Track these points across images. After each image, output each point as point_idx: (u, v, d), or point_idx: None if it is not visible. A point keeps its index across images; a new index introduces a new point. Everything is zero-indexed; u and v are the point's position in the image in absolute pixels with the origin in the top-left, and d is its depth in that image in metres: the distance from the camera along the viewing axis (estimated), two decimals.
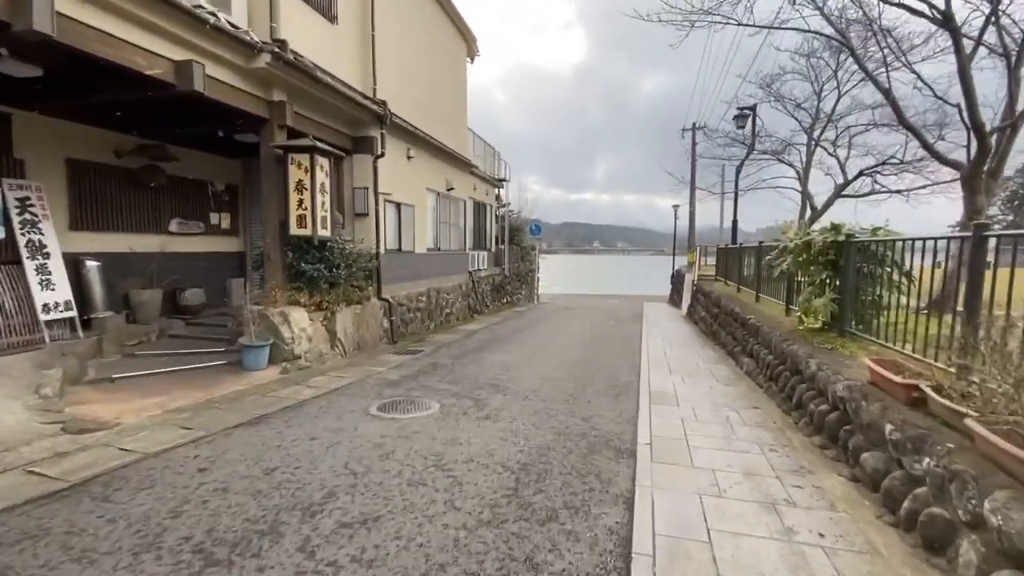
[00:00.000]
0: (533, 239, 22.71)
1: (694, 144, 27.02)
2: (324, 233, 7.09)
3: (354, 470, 3.59)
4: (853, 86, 11.77)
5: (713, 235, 34.62)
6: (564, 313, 16.40)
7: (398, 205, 10.07)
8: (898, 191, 11.58)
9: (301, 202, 6.87)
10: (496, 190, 19.27)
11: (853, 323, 5.50)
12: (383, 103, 8.89)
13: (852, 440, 3.66)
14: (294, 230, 6.92)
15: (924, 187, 11.30)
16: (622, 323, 13.49)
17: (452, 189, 12.86)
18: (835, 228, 5.69)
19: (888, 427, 3.21)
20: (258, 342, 6.55)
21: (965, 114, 7.01)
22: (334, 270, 7.37)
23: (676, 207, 28.53)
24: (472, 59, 14.86)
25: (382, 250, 9.26)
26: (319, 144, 6.92)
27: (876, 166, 11.53)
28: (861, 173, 11.78)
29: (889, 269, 5.17)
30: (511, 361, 7.76)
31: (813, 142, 11.81)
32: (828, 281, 5.83)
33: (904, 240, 5.02)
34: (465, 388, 5.98)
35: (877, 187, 11.91)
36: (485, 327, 12.05)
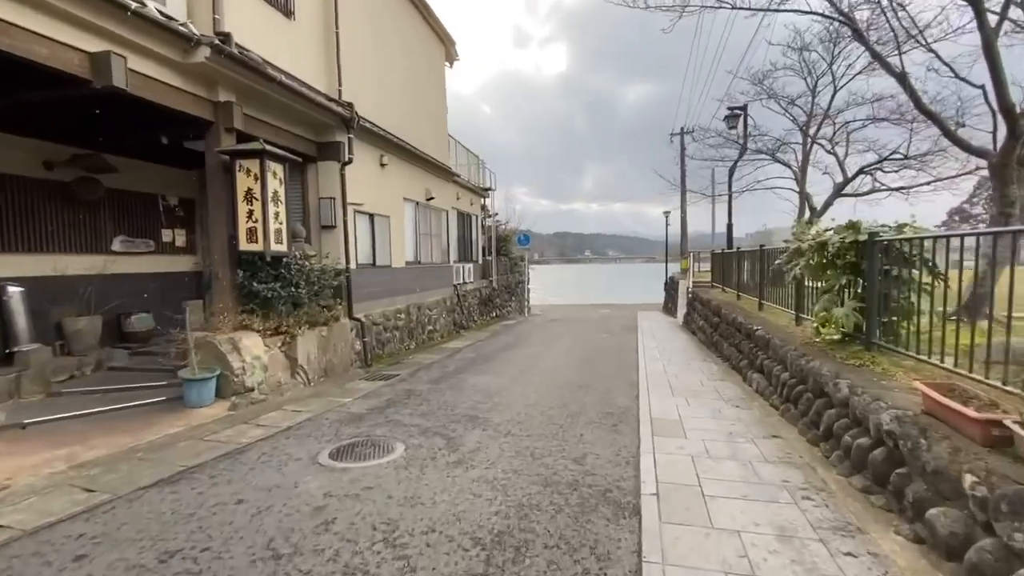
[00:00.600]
0: (522, 249, 22.02)
1: (683, 149, 26.65)
2: (279, 248, 6.30)
3: (278, 551, 2.78)
4: (850, 79, 11.35)
5: (705, 241, 34.21)
6: (555, 326, 15.65)
7: (371, 216, 9.31)
8: (899, 188, 11.03)
9: (251, 214, 6.09)
10: (481, 200, 18.59)
11: (880, 334, 4.81)
12: (349, 105, 8.17)
13: (911, 489, 2.92)
14: (244, 245, 6.13)
15: (928, 183, 10.79)
16: (616, 335, 12.76)
17: (432, 199, 12.14)
18: (853, 227, 5.01)
19: (968, 479, 2.47)
20: (201, 374, 5.72)
21: (991, 95, 6.41)
22: (292, 289, 6.56)
23: (667, 213, 28.07)
24: (451, 63, 14.25)
25: (352, 265, 8.48)
26: (270, 148, 6.16)
27: (878, 162, 10.94)
28: (862, 171, 11.20)
29: (918, 271, 4.50)
30: (495, 385, 6.97)
31: (810, 139, 11.27)
32: (848, 286, 5.14)
33: (937, 238, 4.35)
34: (438, 422, 5.18)
35: (878, 185, 11.36)
36: (470, 344, 11.26)
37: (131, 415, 5.52)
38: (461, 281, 14.52)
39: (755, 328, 6.95)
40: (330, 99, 7.96)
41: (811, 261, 5.43)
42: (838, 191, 11.51)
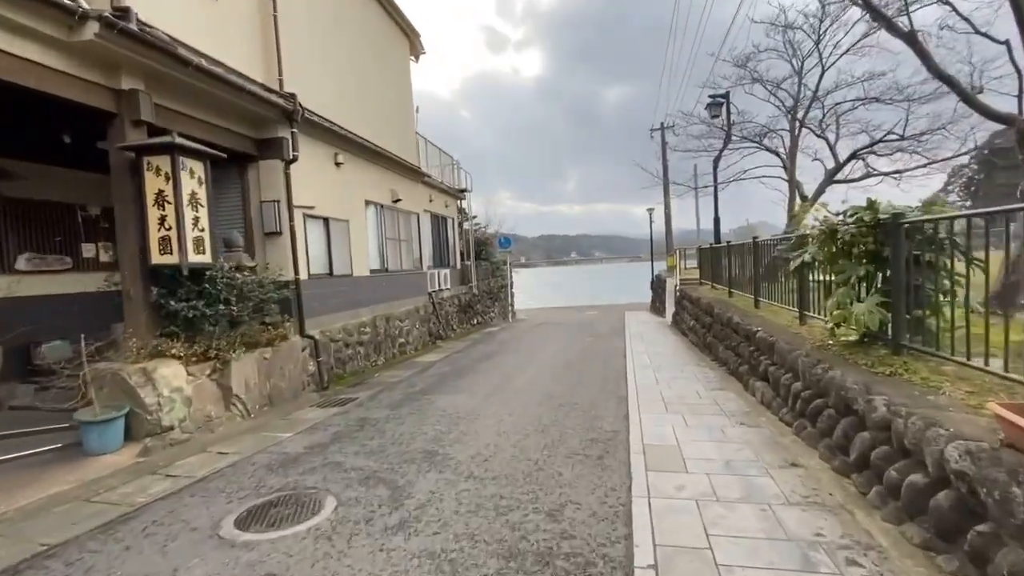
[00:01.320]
0: (503, 252, 21.19)
1: (664, 144, 26.10)
2: (200, 259, 5.36)
3: None
4: (838, 58, 10.76)
5: (690, 238, 33.71)
6: (539, 331, 14.82)
7: (325, 220, 8.39)
8: (893, 173, 10.48)
9: (163, 220, 5.15)
10: (457, 202, 17.74)
11: (909, 334, 4.05)
12: (291, 96, 7.26)
13: (1005, 559, 2.11)
14: (156, 258, 5.18)
15: (924, 166, 10.25)
16: (602, 339, 11.97)
17: (400, 201, 11.24)
18: (871, 207, 4.25)
19: None
20: (104, 415, 4.75)
21: (1018, 52, 5.75)
22: (221, 307, 5.61)
23: (651, 210, 27.49)
24: (416, 57, 13.39)
25: (303, 275, 7.55)
26: (183, 142, 5.23)
27: (872, 145, 10.30)
28: (854, 155, 10.56)
29: (950, 257, 3.75)
30: (465, 406, 6.09)
31: (798, 123, 10.63)
32: (866, 278, 4.38)
33: (974, 215, 3.62)
34: (387, 462, 4.28)
35: (871, 170, 10.76)
36: (445, 357, 10.36)
37: (19, 468, 4.54)
38: (437, 288, 13.62)
39: (755, 329, 6.18)
40: (268, 89, 7.04)
41: (822, 250, 4.66)
42: (830, 177, 10.86)
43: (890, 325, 4.09)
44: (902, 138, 9.93)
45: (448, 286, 14.46)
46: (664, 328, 13.87)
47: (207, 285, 5.51)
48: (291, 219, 7.35)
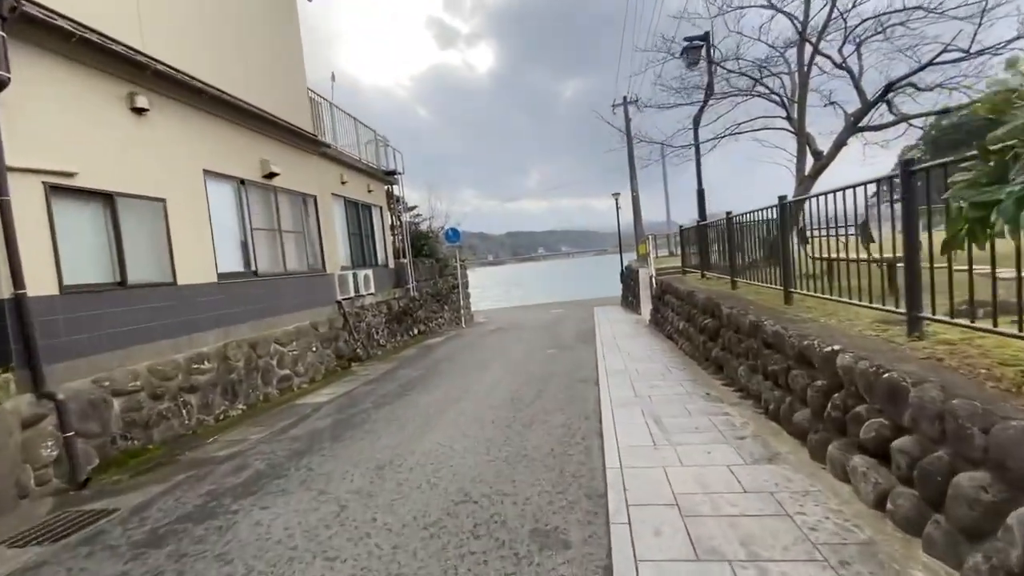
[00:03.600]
0: (451, 246, 18.13)
1: (627, 120, 23.62)
2: None
3: None
4: None
5: (660, 229, 31.41)
6: (493, 340, 11.91)
7: (108, 197, 5.20)
8: (943, 112, 7.79)
9: None
10: (389, 188, 14.61)
11: None
12: None
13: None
14: None
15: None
16: (569, 350, 9.15)
17: (276, 176, 8.06)
18: None
19: None
20: None
21: None
22: None
23: (617, 195, 25.01)
24: None
25: (45, 287, 4.38)
26: None
27: (921, 68, 7.59)
28: (891, 87, 7.88)
29: None
30: (302, 526, 3.12)
31: (808, 48, 7.86)
32: None
33: None
34: None
35: (899, 112, 8.06)
36: (344, 393, 7.29)
37: None
38: (354, 293, 10.50)
39: (828, 348, 3.41)
40: None
41: None
42: (854, 123, 8.26)
43: None
44: (968, 53, 7.33)
45: (372, 290, 11.35)
46: (642, 329, 11.20)
47: None
48: (3, 190, 4.15)
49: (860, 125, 8.00)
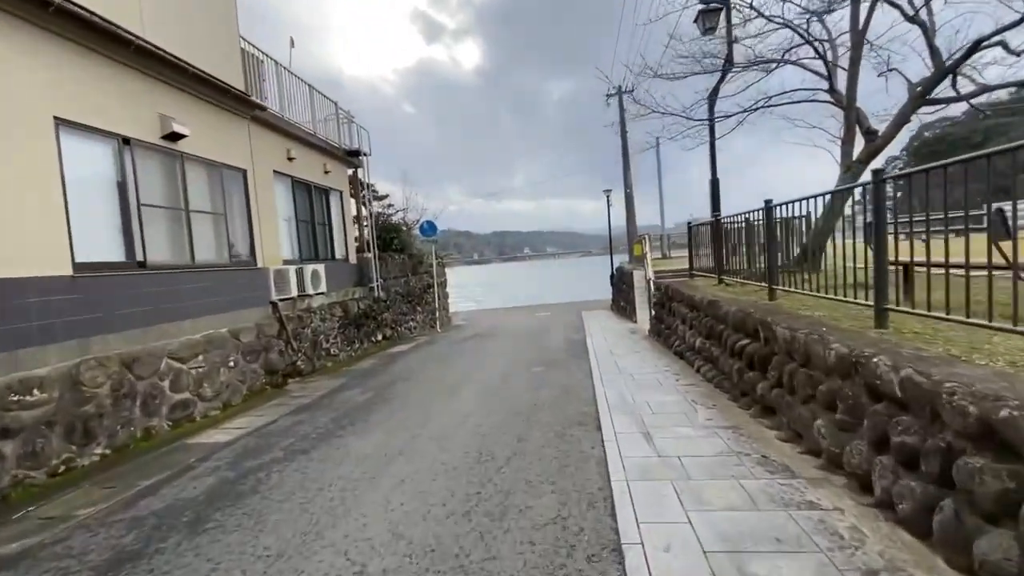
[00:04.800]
0: (426, 240, 16.26)
1: (622, 111, 22.05)
2: None
3: None
4: None
5: (647, 231, 29.92)
6: (468, 350, 10.13)
7: None
8: None
9: None
10: (352, 171, 12.71)
11: None
12: None
13: None
14: None
15: None
16: (557, 367, 7.42)
17: (182, 138, 6.16)
18: None
19: None
20: None
21: None
22: None
23: (608, 192, 23.39)
24: None
25: None
26: None
27: (1020, 22, 5.97)
28: (978, 46, 6.14)
29: None
30: None
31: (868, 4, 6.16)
32: None
33: None
34: None
35: (978, 83, 6.33)
36: (258, 428, 5.43)
37: None
38: (296, 293, 8.62)
39: None
40: None
41: None
42: (924, 93, 6.61)
43: None
44: None
45: (323, 289, 9.47)
46: (641, 342, 9.54)
47: None
48: None
49: (929, 97, 6.43)
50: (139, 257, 5.54)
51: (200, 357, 6.08)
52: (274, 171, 8.81)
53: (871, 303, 3.76)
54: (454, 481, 3.56)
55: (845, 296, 4.14)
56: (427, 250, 16.97)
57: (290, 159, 9.35)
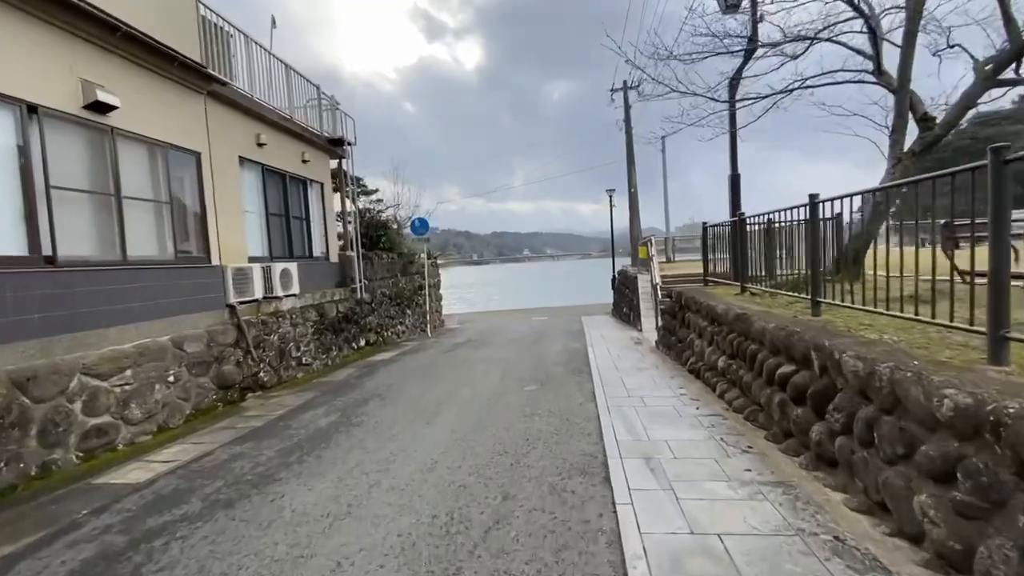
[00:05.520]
0: (417, 238, 15.25)
1: (627, 106, 21.09)
2: None
3: None
4: None
5: (649, 234, 29.02)
6: (457, 359, 9.13)
7: None
8: None
9: None
10: (337, 161, 11.70)
11: None
12: None
13: None
14: None
15: None
16: (554, 386, 6.41)
17: (113, 109, 5.15)
18: None
19: None
20: None
21: None
22: None
23: (611, 192, 22.42)
24: None
25: None
26: None
27: None
28: None
29: None
30: None
31: None
32: None
33: None
34: None
35: None
36: (188, 462, 4.42)
37: None
38: (262, 295, 7.63)
39: None
40: None
41: None
42: (996, 71, 5.58)
43: None
44: None
45: (295, 290, 8.47)
46: (648, 355, 8.55)
47: None
48: None
49: (1001, 78, 5.46)
50: (46, 251, 4.53)
51: (128, 372, 5.08)
52: (240, 157, 7.83)
53: (979, 328, 2.78)
54: (409, 569, 2.56)
55: (932, 316, 3.16)
56: (419, 249, 15.98)
57: (260, 145, 8.36)
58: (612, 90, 21.27)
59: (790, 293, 5.51)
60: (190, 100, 6.50)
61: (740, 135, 8.29)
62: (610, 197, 22.67)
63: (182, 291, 6.08)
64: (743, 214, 6.85)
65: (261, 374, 7.31)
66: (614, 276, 19.71)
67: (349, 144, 11.56)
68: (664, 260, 19.13)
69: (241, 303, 7.10)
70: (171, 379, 5.60)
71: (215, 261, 6.74)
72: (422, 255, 15.76)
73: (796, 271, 5.85)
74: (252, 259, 7.83)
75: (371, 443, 4.63)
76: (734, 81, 7.95)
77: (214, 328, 6.49)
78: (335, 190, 12.42)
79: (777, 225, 6.14)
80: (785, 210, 5.39)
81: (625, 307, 15.93)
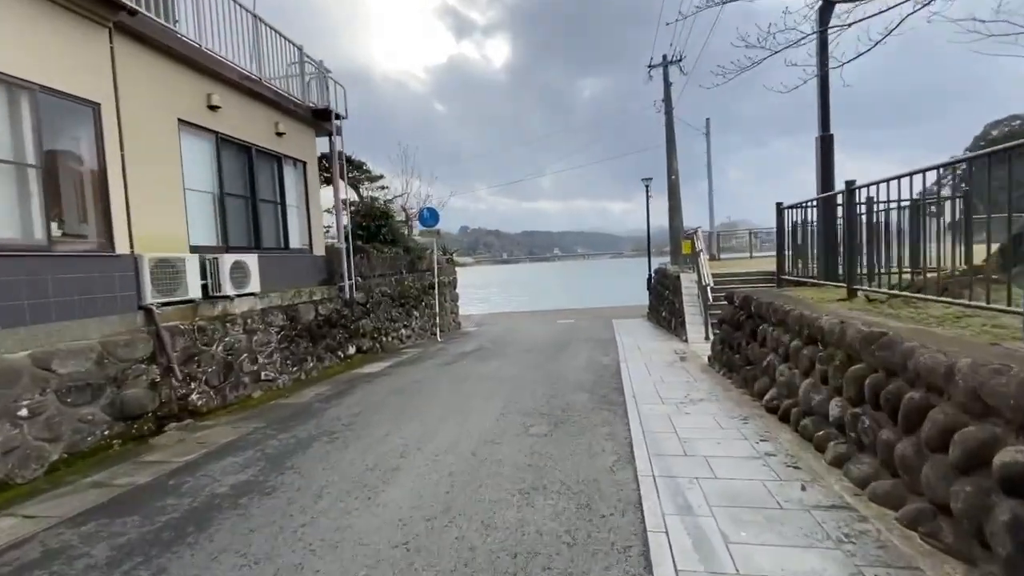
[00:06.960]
0: (427, 230, 13.47)
1: (667, 84, 18.74)
2: None
3: None
4: None
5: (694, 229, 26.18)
6: (459, 373, 7.27)
7: None
8: None
9: None
10: (328, 137, 10.03)
11: None
12: None
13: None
14: None
15: None
16: (572, 427, 4.36)
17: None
18: None
19: None
20: None
21: None
22: None
23: (647, 181, 20.09)
24: None
25: None
26: None
27: None
28: None
29: None
30: None
31: None
32: None
33: None
34: None
35: None
36: None
37: None
38: (204, 293, 5.98)
39: None
40: None
41: None
42: None
43: None
44: None
45: (255, 288, 6.78)
46: (703, 380, 6.38)
47: None
48: None
49: None
50: None
51: None
52: (180, 120, 6.19)
53: None
54: None
55: None
56: (431, 243, 14.21)
57: (213, 107, 6.72)
58: (650, 66, 18.98)
59: (959, 301, 3.37)
60: (83, 33, 4.85)
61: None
62: (647, 187, 20.36)
63: (60, 289, 4.44)
64: (853, 185, 4.68)
65: (193, 396, 5.64)
66: (650, 275, 17.48)
67: (339, 117, 9.86)
68: (708, 258, 16.83)
69: (165, 304, 5.44)
70: (22, 414, 3.94)
71: (121, 250, 5.08)
72: (428, 252, 13.99)
73: (956, 266, 3.71)
74: (195, 249, 6.20)
75: (257, 544, 2.79)
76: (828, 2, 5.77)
77: (113, 339, 4.83)
78: (324, 172, 10.81)
79: (911, 203, 4.04)
80: (946, 165, 3.26)
81: (664, 311, 13.74)
